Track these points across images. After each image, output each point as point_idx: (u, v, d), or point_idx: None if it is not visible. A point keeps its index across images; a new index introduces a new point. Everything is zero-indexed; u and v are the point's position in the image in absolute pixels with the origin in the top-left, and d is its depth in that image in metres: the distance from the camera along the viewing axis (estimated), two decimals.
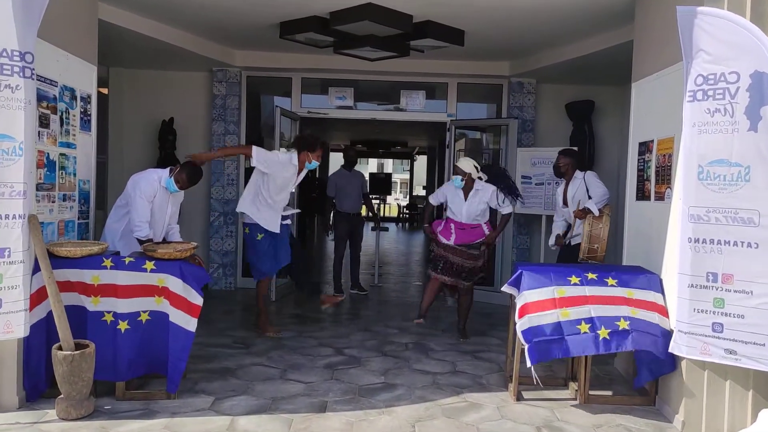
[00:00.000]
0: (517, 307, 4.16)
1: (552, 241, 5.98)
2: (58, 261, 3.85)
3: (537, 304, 4.10)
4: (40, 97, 3.93)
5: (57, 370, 3.65)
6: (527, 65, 7.45)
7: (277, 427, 3.68)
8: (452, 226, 5.85)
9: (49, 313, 3.78)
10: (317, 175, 15.43)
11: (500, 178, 5.87)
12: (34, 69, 3.63)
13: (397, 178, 35.95)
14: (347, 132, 15.76)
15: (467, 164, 5.81)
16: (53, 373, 3.71)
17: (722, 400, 3.79)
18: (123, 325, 3.91)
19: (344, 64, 7.38)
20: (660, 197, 4.31)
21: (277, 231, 5.68)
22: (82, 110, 4.55)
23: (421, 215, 21.91)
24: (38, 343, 3.86)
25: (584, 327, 3.99)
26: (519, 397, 4.29)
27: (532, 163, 7.46)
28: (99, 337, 3.91)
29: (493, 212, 6.03)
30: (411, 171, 25.16)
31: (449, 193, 5.95)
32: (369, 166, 33.47)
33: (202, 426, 3.67)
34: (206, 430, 3.61)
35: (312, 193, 12.27)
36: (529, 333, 4.03)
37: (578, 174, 5.78)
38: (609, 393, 4.43)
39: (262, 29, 6.46)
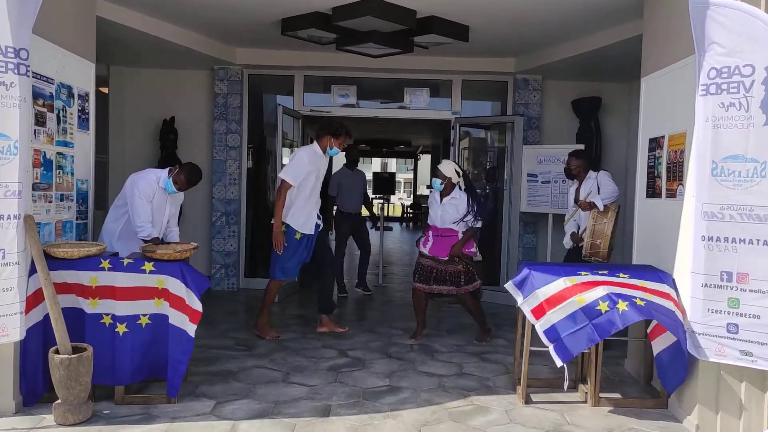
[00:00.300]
0: (529, 309, 4.03)
1: (567, 239, 5.84)
2: (55, 262, 3.76)
3: (552, 298, 3.95)
4: (36, 95, 3.84)
5: (54, 375, 3.56)
6: (533, 61, 7.35)
7: None
8: (430, 233, 5.69)
9: (47, 316, 3.70)
10: None
11: (469, 191, 5.68)
12: (29, 66, 3.55)
13: (400, 177, 35.91)
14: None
15: (448, 168, 5.63)
16: (51, 377, 3.62)
17: (737, 403, 3.68)
18: (121, 328, 3.82)
19: (347, 61, 7.28)
20: (671, 194, 4.20)
21: (312, 233, 5.62)
22: (80, 108, 4.46)
23: (425, 215, 21.81)
24: (35, 346, 3.78)
25: (603, 306, 3.82)
26: (527, 400, 4.18)
27: (538, 160, 7.35)
28: (97, 340, 3.82)
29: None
30: (415, 170, 25.07)
31: (431, 196, 5.88)
32: (372, 166, 33.39)
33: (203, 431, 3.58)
34: None
35: None
36: (553, 331, 3.90)
37: (591, 174, 5.68)
38: (619, 395, 4.32)
39: (263, 26, 6.37)
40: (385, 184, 20.59)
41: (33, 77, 3.72)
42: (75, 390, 3.56)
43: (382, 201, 13.04)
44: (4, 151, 3.44)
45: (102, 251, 3.97)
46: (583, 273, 4.04)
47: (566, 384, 4.06)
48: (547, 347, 4.03)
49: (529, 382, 4.24)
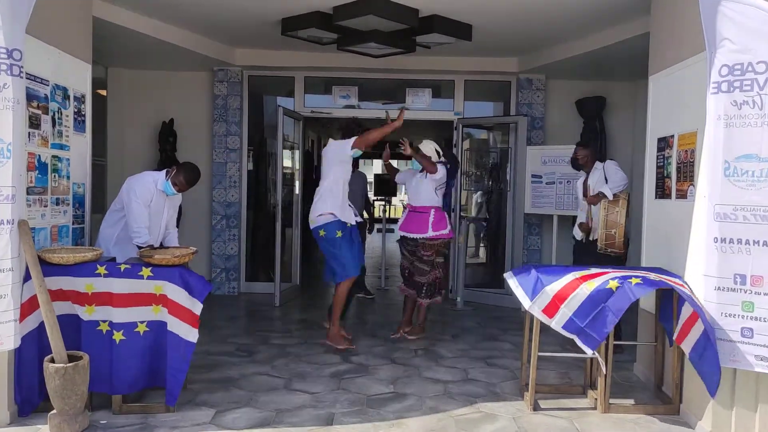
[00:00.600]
0: (540, 309, 3.92)
1: (576, 229, 5.71)
2: (50, 268, 3.67)
3: (564, 290, 3.86)
4: (30, 97, 3.75)
5: (49, 384, 3.46)
6: (536, 61, 7.25)
7: None
8: (406, 210, 5.80)
9: (42, 324, 3.59)
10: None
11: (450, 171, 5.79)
12: (22, 67, 3.45)
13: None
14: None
15: (428, 147, 5.76)
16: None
17: (753, 410, 3.57)
18: (118, 336, 3.72)
19: (348, 62, 7.19)
20: (682, 195, 4.10)
21: (354, 222, 5.45)
22: (76, 110, 4.36)
23: None
24: (31, 354, 3.68)
25: (614, 284, 3.76)
26: (536, 407, 4.08)
27: (542, 161, 7.25)
28: (94, 347, 3.72)
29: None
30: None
31: (408, 176, 5.91)
32: (374, 167, 33.26)
33: None
34: None
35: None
36: (572, 324, 3.80)
37: (598, 165, 5.57)
38: (630, 401, 4.22)
39: (263, 26, 6.28)
40: (387, 186, 20.47)
41: (27, 78, 3.63)
42: (71, 400, 3.46)
43: (383, 203, 12.91)
44: None
45: (98, 256, 3.87)
46: (592, 270, 4.00)
47: (604, 368, 3.96)
48: (554, 353, 3.95)
49: (537, 388, 4.14)
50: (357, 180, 7.73)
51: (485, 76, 7.80)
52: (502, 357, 5.26)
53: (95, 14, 4.92)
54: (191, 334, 3.79)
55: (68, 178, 4.26)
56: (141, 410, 3.83)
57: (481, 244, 9.14)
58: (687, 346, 3.74)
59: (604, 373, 3.98)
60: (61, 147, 4.16)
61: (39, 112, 3.87)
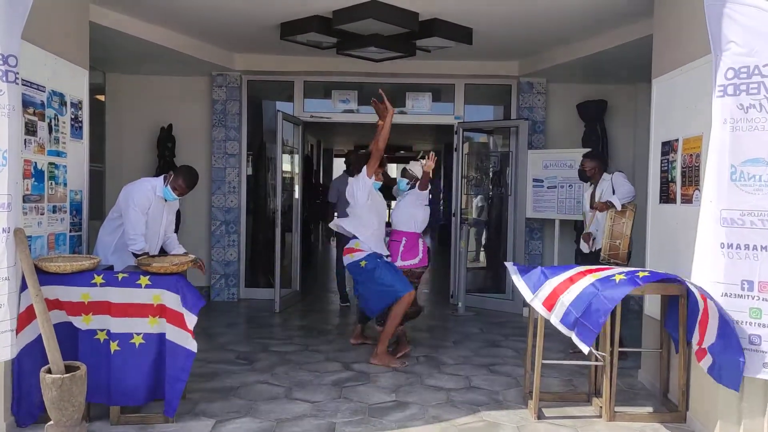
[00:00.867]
0: (541, 302, 3.85)
1: (583, 244, 5.65)
2: (47, 277, 3.60)
3: (565, 282, 3.81)
4: (26, 103, 3.70)
5: (46, 395, 3.39)
6: (537, 64, 7.21)
7: None
8: (404, 240, 5.46)
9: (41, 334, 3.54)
10: (321, 182, 15.24)
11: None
12: (18, 73, 3.40)
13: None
14: (351, 136, 15.55)
15: (419, 169, 5.55)
16: None
17: (761, 418, 3.52)
18: (114, 346, 3.66)
19: (348, 66, 7.15)
20: (687, 200, 4.05)
21: (387, 253, 5.33)
22: (73, 117, 4.31)
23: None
24: (30, 365, 3.61)
25: (619, 276, 3.72)
26: (540, 415, 4.02)
27: (543, 165, 7.20)
28: (92, 357, 3.66)
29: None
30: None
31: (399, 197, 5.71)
32: None
33: None
34: None
35: (316, 200, 12.04)
36: (569, 316, 3.69)
37: (605, 176, 5.52)
38: (635, 409, 4.16)
39: (262, 31, 6.24)
40: (387, 189, 20.44)
41: (23, 85, 3.58)
42: (68, 411, 3.39)
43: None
44: None
45: (96, 265, 3.82)
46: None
47: (595, 358, 3.90)
48: (557, 360, 3.88)
49: (540, 395, 4.08)
50: None
51: (486, 79, 7.75)
52: (504, 364, 5.20)
53: (93, 20, 4.88)
54: (191, 343, 3.73)
55: (65, 185, 4.21)
56: (139, 421, 3.77)
57: (482, 249, 9.09)
58: (705, 363, 3.62)
59: (599, 360, 3.89)
60: (58, 154, 4.10)
61: (35, 118, 3.82)
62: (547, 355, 4.09)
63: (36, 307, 3.43)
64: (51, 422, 3.42)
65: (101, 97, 7.49)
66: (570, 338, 5.62)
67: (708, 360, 3.57)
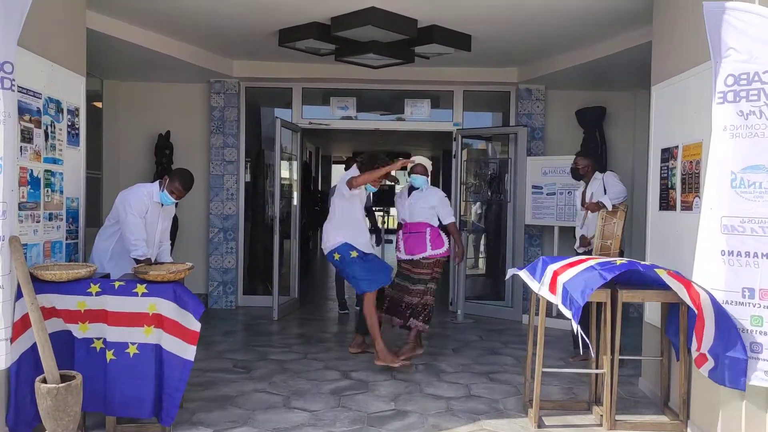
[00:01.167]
0: (548, 289, 3.83)
1: (578, 244, 5.65)
2: (42, 285, 3.57)
3: (565, 266, 3.81)
4: (22, 110, 3.67)
5: (41, 405, 3.35)
6: (536, 71, 7.20)
7: None
8: (400, 233, 5.57)
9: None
10: (320, 188, 15.22)
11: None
12: (14, 80, 3.36)
13: (399, 189, 35.72)
14: (350, 143, 15.55)
15: (429, 164, 5.60)
16: None
17: (763, 426, 3.49)
18: (109, 355, 3.62)
19: (346, 73, 7.13)
20: (687, 207, 4.03)
21: (371, 251, 5.38)
22: (70, 124, 4.28)
23: None
24: (25, 374, 3.57)
25: (620, 261, 3.74)
26: (540, 424, 3.98)
27: (542, 172, 7.19)
28: (88, 366, 3.62)
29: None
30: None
31: (397, 199, 5.77)
32: None
33: None
34: None
35: (315, 206, 12.01)
36: (565, 294, 3.66)
37: (597, 175, 5.53)
38: (636, 417, 4.13)
39: (260, 37, 6.22)
40: (385, 195, 20.45)
41: (19, 92, 3.55)
42: (63, 421, 3.35)
43: (382, 213, 12.90)
44: None
45: (92, 273, 3.78)
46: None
47: (592, 352, 3.86)
48: (558, 368, 3.84)
49: (541, 404, 4.05)
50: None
51: (484, 86, 7.75)
52: (504, 372, 5.17)
53: (91, 26, 4.86)
54: (188, 352, 3.69)
55: (61, 192, 4.18)
56: (136, 431, 3.73)
57: (481, 256, 9.06)
58: (705, 368, 3.58)
59: (588, 343, 3.86)
60: (54, 161, 4.07)
61: (31, 125, 3.79)
62: (547, 362, 4.06)
63: (31, 316, 3.40)
64: None
65: (98, 104, 7.47)
66: (571, 346, 5.66)
67: (709, 364, 3.53)
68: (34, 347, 3.52)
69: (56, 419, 3.34)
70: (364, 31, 5.53)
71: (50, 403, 3.32)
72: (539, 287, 3.93)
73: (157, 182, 4.48)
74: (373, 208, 8.27)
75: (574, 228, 5.98)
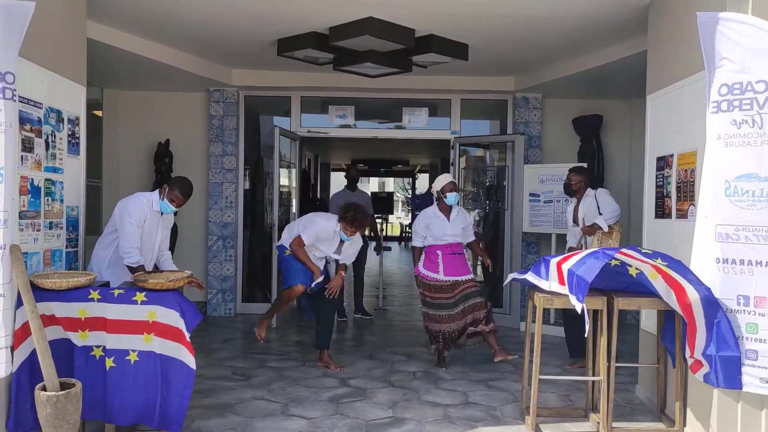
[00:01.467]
0: (557, 282, 3.88)
1: None
2: (42, 293, 3.59)
3: (564, 258, 3.88)
4: (23, 120, 3.70)
5: (40, 413, 3.37)
6: (533, 80, 7.25)
7: None
8: (439, 253, 5.48)
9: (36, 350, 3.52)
10: (318, 195, 15.24)
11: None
12: (15, 90, 3.40)
13: (398, 196, 35.78)
14: (348, 151, 15.61)
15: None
16: None
17: (759, 431, 3.52)
18: (109, 362, 3.64)
19: (344, 81, 7.18)
20: (682, 215, 4.06)
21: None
22: (70, 133, 4.32)
23: None
24: (25, 381, 3.59)
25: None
26: (537, 431, 4.00)
27: (540, 180, 7.23)
28: (88, 373, 3.64)
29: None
30: (413, 189, 24.97)
31: (429, 219, 5.55)
32: (370, 185, 33.32)
33: None
34: None
35: None
36: (570, 277, 3.73)
37: (589, 192, 5.57)
38: (633, 424, 4.16)
39: (259, 47, 6.27)
40: (384, 203, 20.52)
41: (20, 102, 3.58)
42: (62, 429, 3.37)
43: (381, 220, 12.94)
44: None
45: (92, 281, 3.80)
46: None
47: (587, 328, 3.80)
48: (555, 376, 3.83)
49: (538, 411, 4.07)
50: (358, 199, 7.69)
51: (482, 95, 7.80)
52: (502, 379, 5.19)
53: (91, 36, 4.89)
54: (190, 359, 3.71)
55: (62, 201, 4.20)
56: None
57: (479, 263, 9.08)
58: (701, 374, 3.60)
59: (588, 327, 3.82)
60: (55, 170, 4.10)
61: (32, 135, 3.82)
62: (544, 370, 4.08)
63: (31, 324, 3.42)
64: None
65: (98, 113, 7.50)
66: (567, 352, 5.68)
67: (704, 369, 3.55)
68: (34, 355, 3.54)
69: (56, 427, 3.36)
70: (362, 40, 5.58)
71: (50, 411, 3.34)
72: (549, 284, 3.96)
73: (157, 191, 4.50)
74: (374, 215, 8.29)
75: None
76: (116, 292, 3.69)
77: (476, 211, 8.81)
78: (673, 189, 4.21)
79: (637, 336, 4.83)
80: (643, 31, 4.94)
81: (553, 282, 3.93)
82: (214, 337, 6.50)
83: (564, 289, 3.83)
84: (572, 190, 5.68)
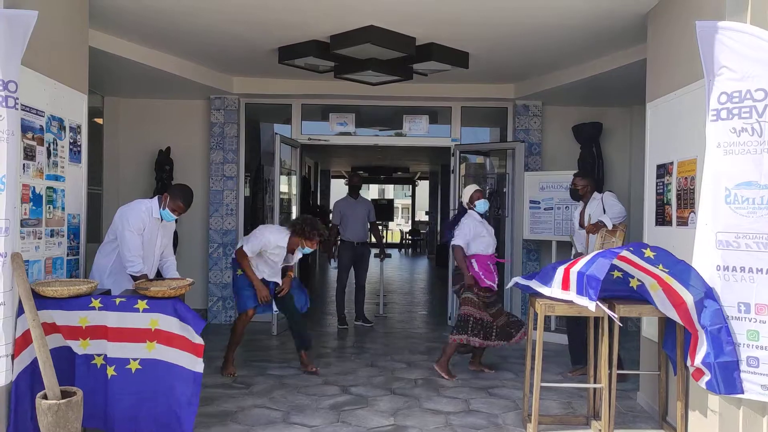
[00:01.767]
0: (560, 288, 3.90)
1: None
2: (44, 301, 3.60)
3: (572, 263, 3.89)
4: (25, 128, 3.71)
5: (41, 421, 3.37)
6: (533, 87, 7.27)
7: None
8: (489, 264, 5.53)
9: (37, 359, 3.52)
10: (318, 203, 15.26)
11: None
12: (18, 98, 3.42)
13: (398, 203, 35.85)
14: (349, 158, 15.63)
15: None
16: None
17: None
18: (110, 371, 3.64)
19: (345, 89, 7.20)
20: (683, 222, 4.07)
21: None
22: (72, 141, 4.33)
23: (425, 240, 21.70)
24: (26, 389, 3.59)
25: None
26: None
27: (540, 187, 7.24)
28: (88, 382, 3.65)
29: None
30: (413, 196, 25.01)
31: (475, 225, 5.53)
32: (370, 192, 33.39)
33: None
34: None
35: None
36: (580, 279, 3.73)
37: (596, 195, 5.57)
38: (634, 431, 4.15)
39: (260, 55, 6.29)
40: (384, 210, 20.59)
41: (22, 110, 3.59)
42: None
43: (381, 227, 12.97)
44: None
45: (93, 289, 3.81)
46: None
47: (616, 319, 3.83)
48: (556, 383, 3.81)
49: (539, 419, 4.06)
50: (359, 207, 7.72)
51: (482, 102, 7.83)
52: (503, 386, 5.18)
53: (92, 44, 4.91)
54: (197, 365, 3.70)
55: (63, 209, 4.21)
56: None
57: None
58: (703, 381, 3.59)
59: (616, 320, 3.84)
60: (56, 178, 4.11)
61: (34, 143, 3.83)
62: (545, 377, 4.08)
63: (32, 332, 3.42)
64: None
65: (99, 120, 7.53)
66: (568, 360, 5.67)
67: (706, 376, 3.55)
68: (35, 363, 3.54)
69: None
70: (363, 48, 5.60)
71: (51, 419, 3.34)
72: (551, 290, 3.97)
73: (156, 198, 4.51)
74: (376, 222, 8.30)
75: (571, 242, 6.02)
76: (118, 300, 3.70)
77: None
78: (673, 196, 4.22)
79: (638, 343, 4.83)
80: (643, 39, 4.97)
81: (555, 288, 3.94)
82: (215, 344, 6.47)
83: (567, 295, 3.84)
84: (578, 195, 5.68)
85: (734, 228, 3.46)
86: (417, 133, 8.03)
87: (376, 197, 30.65)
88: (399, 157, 14.69)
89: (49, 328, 3.60)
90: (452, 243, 5.49)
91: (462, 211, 5.66)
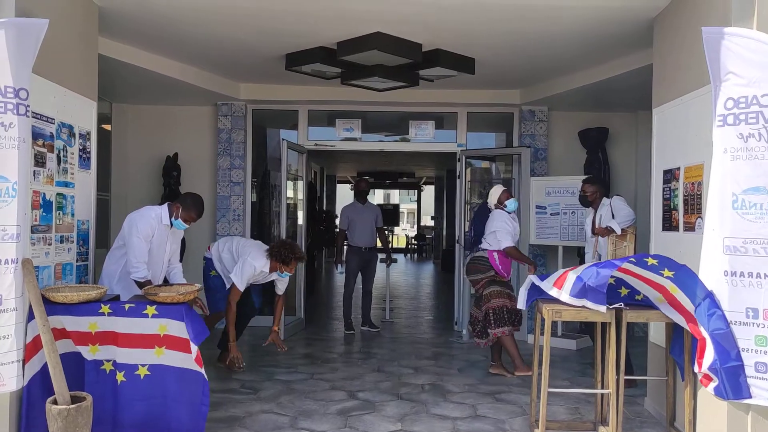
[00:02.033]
0: (551, 283, 3.99)
1: None
2: (54, 307, 3.63)
3: (574, 267, 3.95)
4: (36, 135, 3.75)
5: (51, 426, 3.39)
6: (539, 93, 7.28)
7: None
8: (506, 257, 5.81)
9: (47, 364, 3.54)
10: (324, 207, 15.29)
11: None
12: (29, 106, 3.46)
13: (404, 208, 35.85)
14: (354, 163, 15.67)
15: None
16: None
17: None
18: (120, 376, 3.67)
19: (352, 95, 7.23)
20: (690, 227, 4.07)
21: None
22: (81, 147, 4.37)
23: (431, 245, 21.69)
24: (36, 395, 3.62)
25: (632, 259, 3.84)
26: None
27: (546, 192, 7.25)
28: (98, 387, 3.68)
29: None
30: (418, 201, 25.03)
31: (511, 221, 5.81)
32: (376, 197, 33.43)
33: None
34: None
35: (319, 226, 12.07)
36: (578, 284, 3.79)
37: (605, 201, 5.58)
38: None
39: (267, 61, 6.33)
40: (390, 215, 20.65)
41: (33, 117, 3.63)
42: None
43: (387, 232, 12.99)
44: (2, 193, 3.33)
45: (102, 295, 3.84)
46: None
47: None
48: (564, 389, 3.82)
49: (547, 424, 4.06)
50: (367, 212, 7.75)
51: (488, 107, 7.83)
52: (510, 392, 5.18)
53: (101, 52, 4.94)
54: (203, 369, 3.73)
55: (73, 215, 4.25)
56: None
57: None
58: (711, 386, 3.57)
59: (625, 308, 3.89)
60: (66, 184, 4.15)
61: (44, 150, 3.87)
62: (553, 382, 4.07)
63: (43, 338, 3.45)
64: None
65: (107, 127, 7.57)
66: (575, 365, 5.66)
67: (714, 382, 3.55)
68: (45, 368, 3.57)
69: None
70: (370, 55, 5.63)
71: (60, 425, 3.37)
72: (543, 283, 4.09)
73: (166, 205, 4.55)
74: (384, 228, 8.31)
75: (578, 248, 6.04)
76: (127, 305, 3.72)
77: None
78: (680, 202, 4.22)
79: (646, 349, 4.82)
80: (649, 45, 4.97)
81: (548, 283, 4.05)
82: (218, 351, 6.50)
83: (560, 294, 3.91)
84: (588, 201, 5.69)
85: (742, 233, 3.46)
86: (423, 138, 8.05)
87: (382, 202, 30.69)
88: (405, 162, 14.71)
89: (59, 334, 3.63)
90: (503, 247, 5.69)
91: (484, 210, 5.80)
